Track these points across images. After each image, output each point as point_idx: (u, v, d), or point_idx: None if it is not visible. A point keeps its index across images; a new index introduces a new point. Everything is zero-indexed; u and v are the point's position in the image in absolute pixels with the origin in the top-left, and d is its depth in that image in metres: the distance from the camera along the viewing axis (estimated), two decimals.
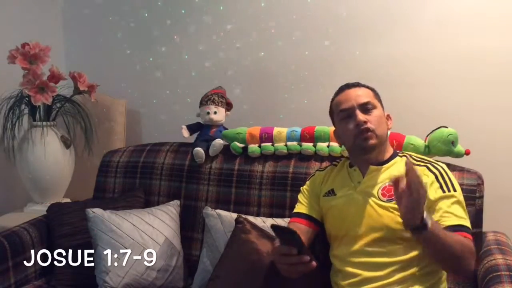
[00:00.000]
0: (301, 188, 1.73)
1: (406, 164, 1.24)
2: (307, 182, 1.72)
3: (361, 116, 1.50)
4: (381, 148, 1.54)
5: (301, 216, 1.64)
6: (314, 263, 1.30)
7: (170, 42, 2.59)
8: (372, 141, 1.49)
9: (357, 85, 1.58)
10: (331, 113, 1.63)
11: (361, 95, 1.54)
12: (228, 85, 2.20)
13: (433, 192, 1.44)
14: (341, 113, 1.55)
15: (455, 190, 1.46)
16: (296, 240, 1.27)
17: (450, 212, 1.42)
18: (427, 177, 1.47)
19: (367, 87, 1.59)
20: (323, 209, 1.62)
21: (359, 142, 1.51)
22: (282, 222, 1.80)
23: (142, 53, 2.66)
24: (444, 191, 1.44)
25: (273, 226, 1.32)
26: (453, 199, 1.44)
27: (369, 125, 1.49)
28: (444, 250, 1.33)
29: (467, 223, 1.43)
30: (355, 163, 1.60)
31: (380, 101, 1.58)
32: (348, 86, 1.58)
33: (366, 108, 1.52)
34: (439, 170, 1.49)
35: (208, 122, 2.08)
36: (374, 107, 1.53)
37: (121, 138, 2.60)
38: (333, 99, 1.61)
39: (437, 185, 1.45)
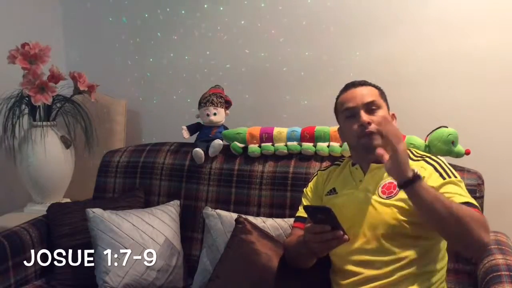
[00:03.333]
0: (304, 190, 1.72)
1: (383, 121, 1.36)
2: (309, 184, 1.72)
3: (365, 117, 1.49)
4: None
5: (304, 220, 1.64)
6: (346, 237, 1.33)
7: (170, 42, 2.59)
8: (377, 142, 1.48)
9: (363, 83, 1.57)
10: (336, 110, 1.63)
11: (366, 95, 1.53)
12: (228, 85, 2.20)
13: (433, 181, 1.43)
14: (345, 112, 1.55)
15: (455, 177, 1.45)
16: (331, 217, 1.30)
17: (455, 192, 1.39)
18: (424, 170, 1.46)
19: (373, 85, 1.58)
20: None
21: (363, 141, 1.50)
22: (282, 222, 1.80)
23: (142, 53, 2.66)
24: (444, 178, 1.43)
25: (306, 207, 1.36)
26: (455, 184, 1.42)
27: (372, 126, 1.48)
28: (446, 211, 1.28)
29: (474, 201, 1.40)
30: (357, 161, 1.60)
31: (385, 100, 1.57)
32: (354, 84, 1.58)
33: (370, 108, 1.51)
34: (437, 161, 1.49)
35: (208, 124, 2.08)
36: (379, 107, 1.52)
37: (121, 138, 2.60)
38: (338, 97, 1.61)
39: (437, 174, 1.45)
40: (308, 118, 2.10)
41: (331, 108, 1.62)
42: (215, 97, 2.06)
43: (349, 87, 1.58)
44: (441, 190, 1.40)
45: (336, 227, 1.32)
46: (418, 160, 1.52)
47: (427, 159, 1.51)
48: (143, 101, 2.70)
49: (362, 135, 1.50)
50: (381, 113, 1.51)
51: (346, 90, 1.58)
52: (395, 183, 1.46)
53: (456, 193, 1.39)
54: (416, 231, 1.43)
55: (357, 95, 1.53)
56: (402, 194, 1.44)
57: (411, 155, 1.55)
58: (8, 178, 2.47)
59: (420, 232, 1.44)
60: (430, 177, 1.44)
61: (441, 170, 1.46)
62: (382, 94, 1.58)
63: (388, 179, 1.49)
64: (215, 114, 2.06)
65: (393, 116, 1.59)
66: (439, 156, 1.54)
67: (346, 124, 1.56)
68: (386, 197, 1.47)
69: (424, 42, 2.18)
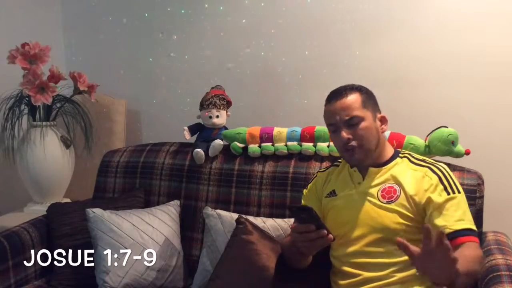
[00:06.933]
0: (303, 191, 1.73)
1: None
2: (309, 186, 1.72)
3: (345, 133, 1.49)
4: (374, 154, 1.53)
5: None
6: (331, 236, 1.35)
7: (170, 42, 2.59)
8: (357, 156, 1.51)
9: (344, 93, 1.52)
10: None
11: (346, 109, 1.49)
12: (228, 85, 2.19)
13: (438, 195, 1.44)
14: (329, 127, 1.56)
15: (459, 192, 1.46)
16: (314, 217, 1.33)
17: (457, 216, 1.42)
18: (430, 179, 1.47)
19: (357, 89, 1.53)
20: (324, 210, 1.61)
21: (345, 156, 1.56)
22: (282, 222, 1.80)
23: (142, 53, 2.66)
24: (448, 193, 1.44)
25: (290, 207, 1.37)
26: (458, 201, 1.44)
27: (353, 143, 1.49)
28: (476, 276, 1.36)
29: (473, 225, 1.43)
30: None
31: (370, 105, 1.53)
32: (336, 96, 1.53)
33: (351, 123, 1.49)
34: (442, 172, 1.49)
35: (210, 126, 2.08)
36: (361, 120, 1.49)
37: (121, 138, 2.60)
38: (325, 105, 1.58)
39: (441, 187, 1.45)
40: (308, 118, 2.10)
41: None
42: (218, 99, 2.05)
43: (331, 99, 1.54)
44: (445, 208, 1.42)
45: (320, 227, 1.34)
46: (421, 166, 1.52)
47: (433, 167, 1.51)
48: (143, 101, 2.69)
49: (343, 150, 1.53)
50: (363, 125, 1.49)
51: (327, 102, 1.55)
52: (395, 187, 1.48)
53: (458, 216, 1.41)
54: (416, 235, 1.43)
55: (336, 111, 1.51)
56: (402, 200, 1.46)
57: (412, 158, 1.56)
58: (8, 178, 2.46)
59: (420, 236, 1.43)
60: (435, 189, 1.45)
61: (446, 183, 1.46)
62: (367, 99, 1.53)
63: (387, 184, 1.50)
64: (217, 116, 2.05)
65: (383, 118, 1.57)
66: (441, 163, 1.54)
67: (331, 136, 1.58)
68: (387, 201, 1.47)
69: (424, 43, 2.18)
